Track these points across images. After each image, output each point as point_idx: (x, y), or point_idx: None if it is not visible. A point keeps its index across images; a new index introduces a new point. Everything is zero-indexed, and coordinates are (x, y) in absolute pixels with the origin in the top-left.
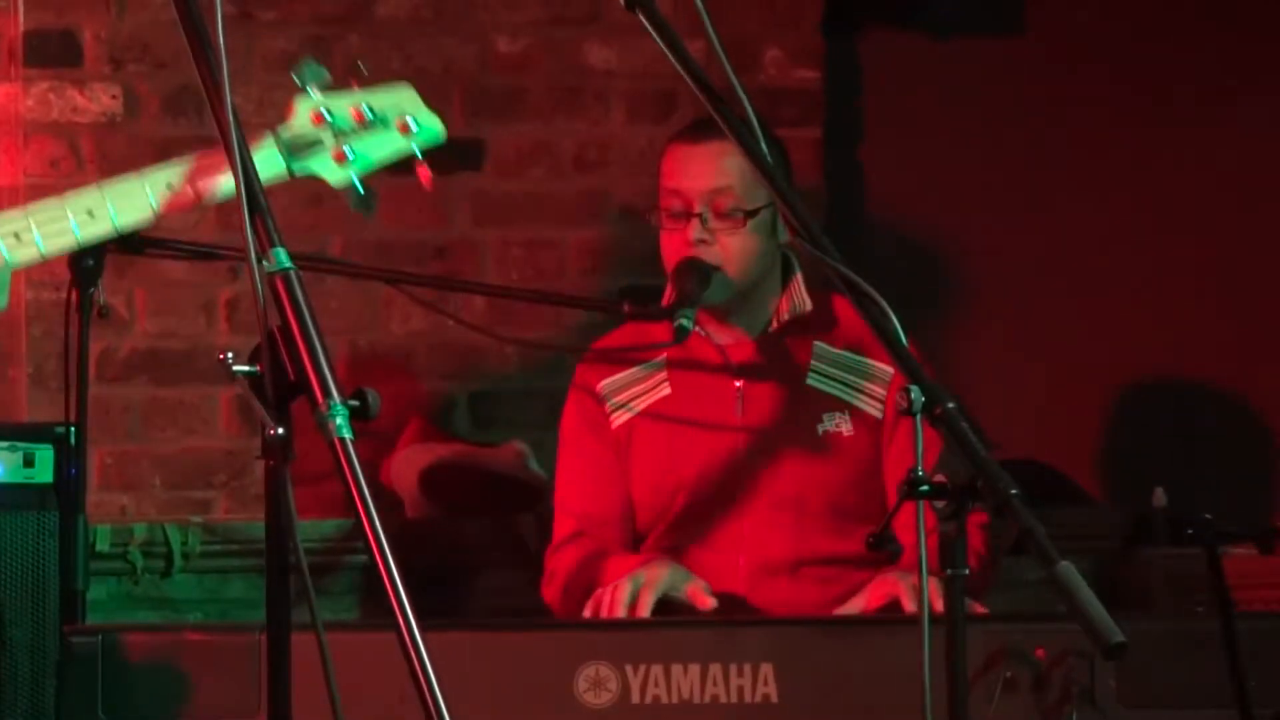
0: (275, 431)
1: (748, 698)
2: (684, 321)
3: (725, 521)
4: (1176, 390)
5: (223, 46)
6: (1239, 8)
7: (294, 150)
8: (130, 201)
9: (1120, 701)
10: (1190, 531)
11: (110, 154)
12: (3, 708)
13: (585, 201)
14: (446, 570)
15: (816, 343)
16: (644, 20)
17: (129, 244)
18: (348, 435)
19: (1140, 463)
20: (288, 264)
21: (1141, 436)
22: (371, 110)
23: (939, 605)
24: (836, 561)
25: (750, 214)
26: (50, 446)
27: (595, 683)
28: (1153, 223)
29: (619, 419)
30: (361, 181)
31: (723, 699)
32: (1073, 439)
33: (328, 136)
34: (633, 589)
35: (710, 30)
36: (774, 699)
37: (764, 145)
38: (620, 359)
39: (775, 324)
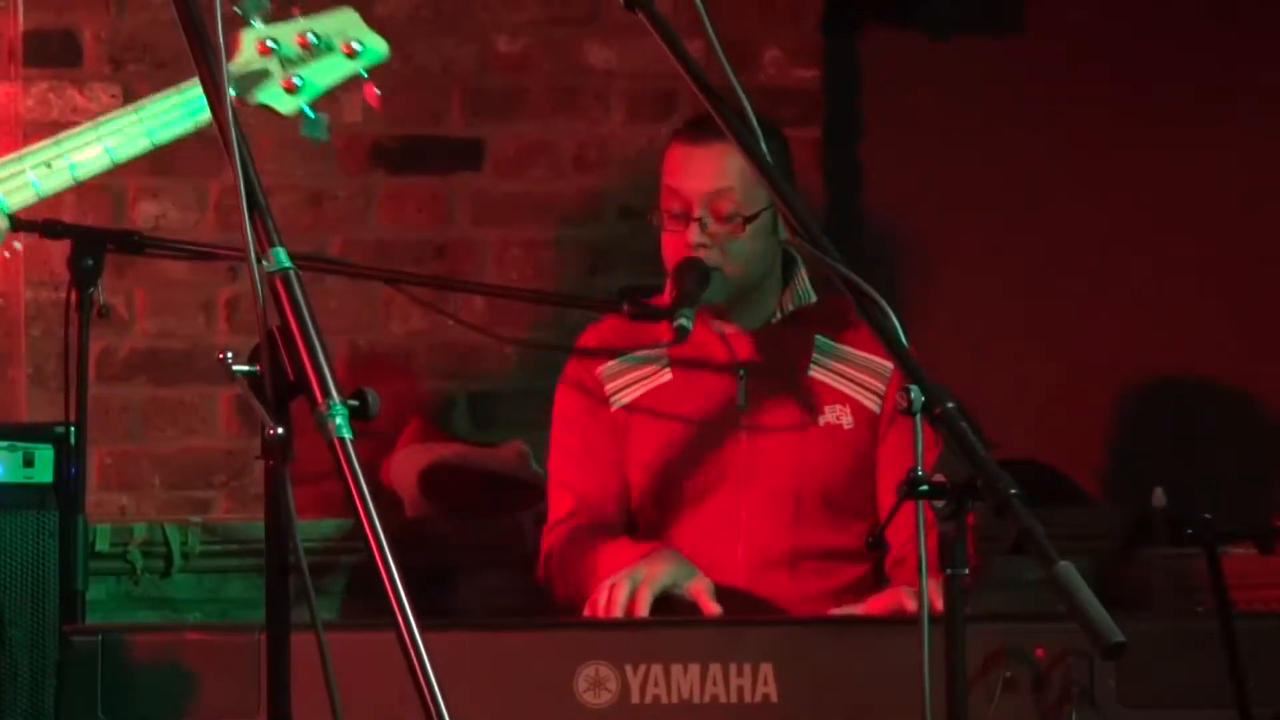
0: (275, 431)
1: (747, 698)
2: (684, 321)
3: (723, 510)
4: (1176, 390)
5: (222, 46)
6: (1239, 8)
7: (244, 84)
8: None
9: (1120, 701)
10: (1190, 531)
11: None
12: (2, 707)
13: (585, 201)
14: (446, 570)
15: (819, 335)
16: (644, 20)
17: (128, 244)
18: (347, 435)
19: (1140, 463)
20: (287, 264)
21: (1141, 436)
22: (316, 36)
23: (939, 606)
24: (833, 555)
25: (750, 219)
26: (50, 446)
27: (595, 682)
28: (1152, 222)
29: (619, 402)
30: (311, 107)
31: (722, 699)
32: (1073, 439)
33: (275, 67)
34: (631, 586)
35: (710, 30)
36: (774, 699)
37: (764, 145)
38: (609, 352)
39: (779, 314)
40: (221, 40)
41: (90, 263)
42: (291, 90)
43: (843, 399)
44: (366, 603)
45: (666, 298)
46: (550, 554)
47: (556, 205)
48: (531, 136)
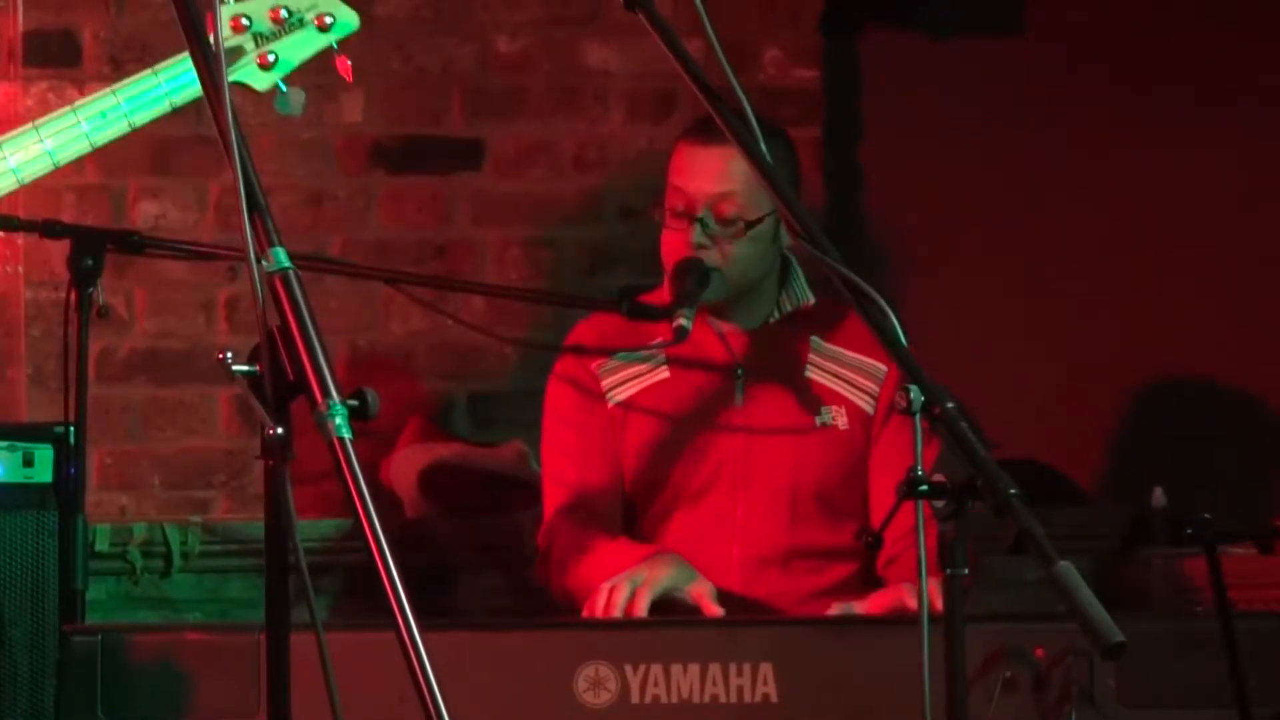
0: (274, 431)
1: (747, 698)
2: (684, 321)
3: (718, 509)
4: (1176, 390)
5: (221, 46)
6: (1238, 7)
7: None
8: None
9: (1120, 701)
10: (1190, 531)
11: (108, 153)
12: (2, 708)
13: (584, 201)
14: (446, 570)
15: (814, 337)
16: (644, 20)
17: (128, 244)
18: (347, 435)
19: (1140, 463)
20: (287, 264)
21: (1141, 436)
22: (289, 10)
23: (939, 606)
24: (826, 554)
25: (751, 224)
26: (50, 446)
27: (595, 682)
28: (1152, 222)
29: (615, 398)
30: (285, 82)
31: (722, 699)
32: (1073, 439)
33: (249, 44)
34: (630, 589)
35: (709, 30)
36: (773, 699)
37: (764, 145)
38: (604, 351)
39: (776, 314)
40: (221, 40)
41: (90, 263)
42: (266, 66)
43: (838, 399)
44: (364, 603)
45: (664, 295)
46: (547, 549)
47: (556, 205)
48: (531, 136)
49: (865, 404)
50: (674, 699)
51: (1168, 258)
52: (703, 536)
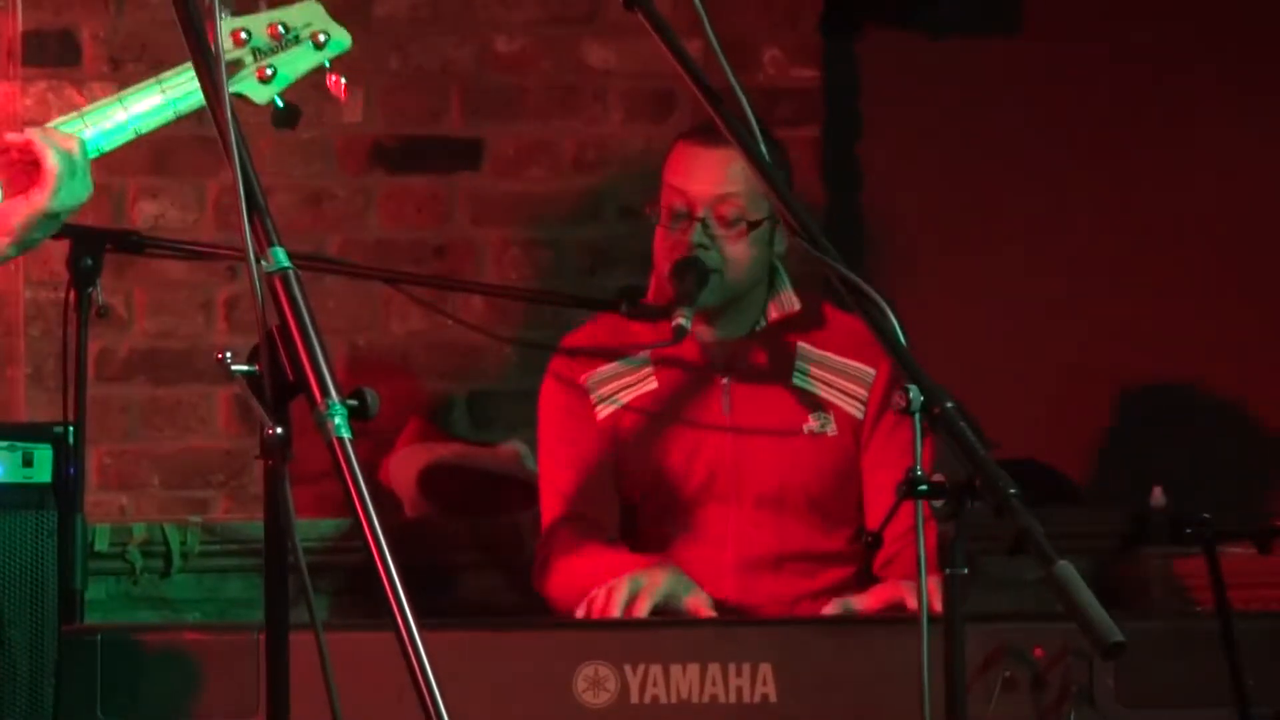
0: (274, 431)
1: (746, 698)
2: (683, 321)
3: (710, 517)
4: (1176, 390)
5: (221, 46)
6: (1238, 7)
7: None
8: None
9: (1119, 701)
10: (1189, 531)
11: (108, 153)
12: (2, 707)
13: (584, 201)
14: (445, 570)
15: (801, 343)
16: (643, 19)
17: (128, 243)
18: (346, 435)
19: (1140, 463)
20: (286, 264)
21: (1141, 436)
22: (286, 27)
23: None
24: (819, 558)
25: (753, 225)
26: (49, 446)
27: (594, 682)
28: (1152, 222)
29: (604, 411)
30: (282, 98)
31: (721, 699)
32: (1073, 439)
33: (249, 57)
34: (630, 592)
35: (709, 29)
36: (773, 699)
37: (764, 146)
38: (606, 351)
39: (762, 323)
40: (220, 40)
41: (89, 262)
42: (265, 80)
43: (826, 406)
44: (364, 603)
45: (652, 295)
46: (545, 559)
47: (556, 205)
48: (530, 136)
49: (854, 409)
50: (673, 699)
51: (1168, 257)
52: (697, 543)
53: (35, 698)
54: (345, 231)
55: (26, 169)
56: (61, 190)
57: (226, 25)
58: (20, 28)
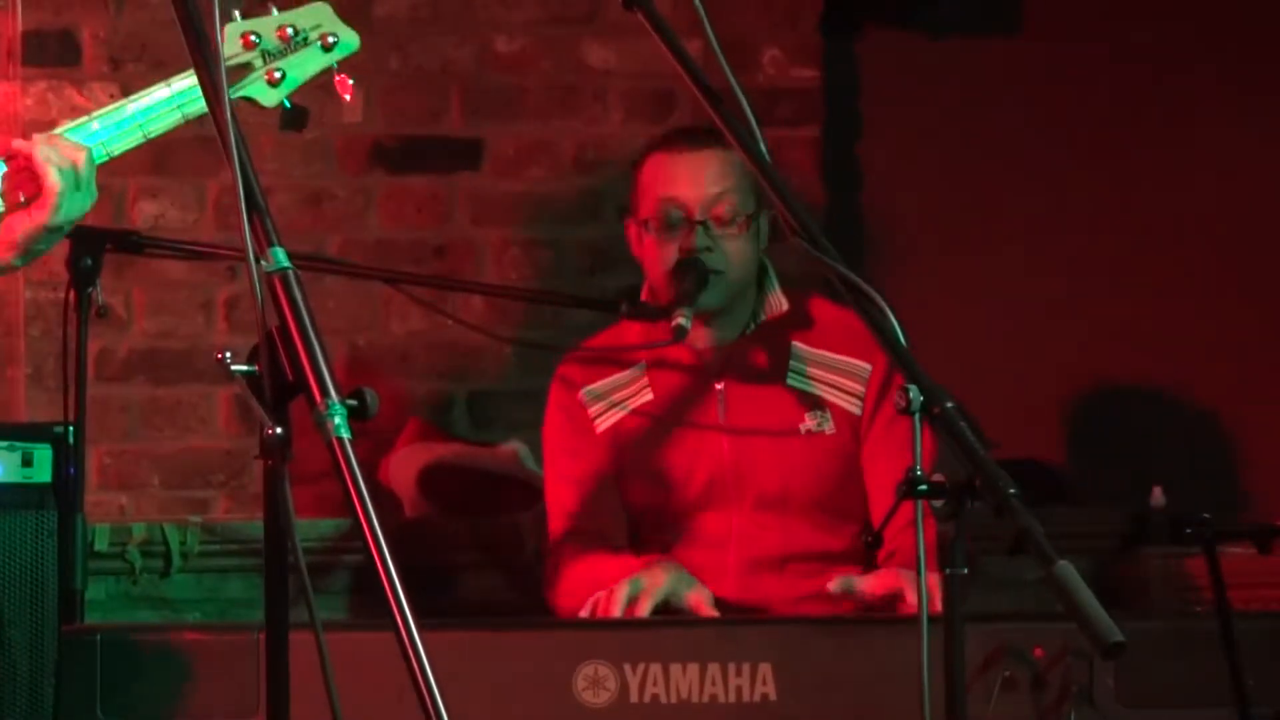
0: (273, 431)
1: (746, 697)
2: (683, 321)
3: (712, 521)
4: (1176, 390)
5: (221, 46)
6: (1238, 7)
7: (229, 77)
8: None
9: (1119, 701)
10: (1189, 531)
11: (117, 157)
12: (2, 707)
13: (584, 201)
14: (445, 570)
15: (794, 343)
16: (643, 19)
17: (127, 243)
18: (346, 435)
19: (1140, 463)
20: (286, 264)
21: (1141, 436)
22: (295, 29)
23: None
24: (822, 558)
25: (750, 218)
26: (49, 446)
27: (594, 682)
28: (1152, 222)
29: (603, 424)
30: (290, 100)
31: (721, 698)
32: (1073, 439)
33: (258, 60)
34: (630, 593)
35: (709, 29)
36: (772, 698)
37: (763, 145)
38: (605, 360)
39: (753, 325)
40: (220, 40)
41: (89, 262)
42: (274, 83)
43: (823, 404)
44: (375, 601)
45: (645, 299)
46: (552, 574)
47: (556, 205)
48: (530, 136)
49: (852, 406)
50: (673, 699)
51: (1168, 257)
52: (700, 548)
53: (35, 698)
54: (345, 231)
55: (33, 176)
56: (63, 206)
57: (236, 28)
58: (20, 28)
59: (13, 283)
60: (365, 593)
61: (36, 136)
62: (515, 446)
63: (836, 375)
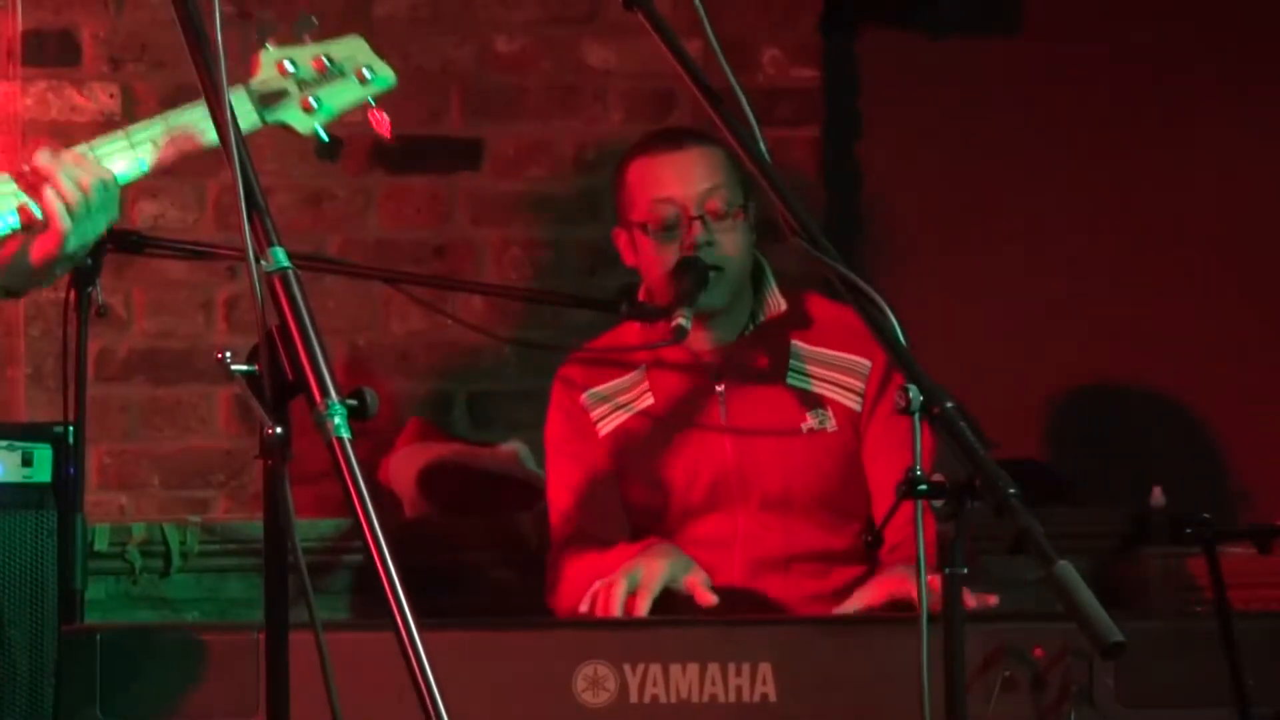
0: (273, 431)
1: (746, 697)
2: (683, 321)
3: (716, 523)
4: (1176, 390)
5: (220, 46)
6: (1238, 7)
7: (264, 101)
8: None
9: (1119, 701)
10: (1189, 531)
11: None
12: (1, 707)
13: (584, 201)
14: (445, 570)
15: (794, 342)
16: (643, 19)
17: (127, 243)
18: (346, 435)
19: (1140, 463)
20: (286, 263)
21: (1141, 436)
22: (331, 60)
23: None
24: (828, 557)
25: (743, 209)
26: (49, 446)
27: (593, 682)
28: (1152, 222)
29: (605, 428)
30: (325, 129)
31: (721, 698)
32: (1073, 439)
33: (293, 87)
34: (628, 587)
35: (709, 29)
36: (772, 698)
37: (763, 145)
38: (607, 362)
39: (752, 326)
40: (220, 40)
41: (89, 262)
42: (309, 110)
43: (823, 403)
44: (375, 601)
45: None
46: (553, 577)
47: (556, 205)
48: (530, 136)
49: (852, 403)
50: (673, 699)
51: (1168, 257)
52: (704, 549)
53: (35, 698)
54: (345, 231)
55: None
56: (72, 238)
57: (271, 55)
58: (20, 28)
59: None
60: (365, 593)
61: (63, 155)
62: (515, 446)
63: (836, 373)
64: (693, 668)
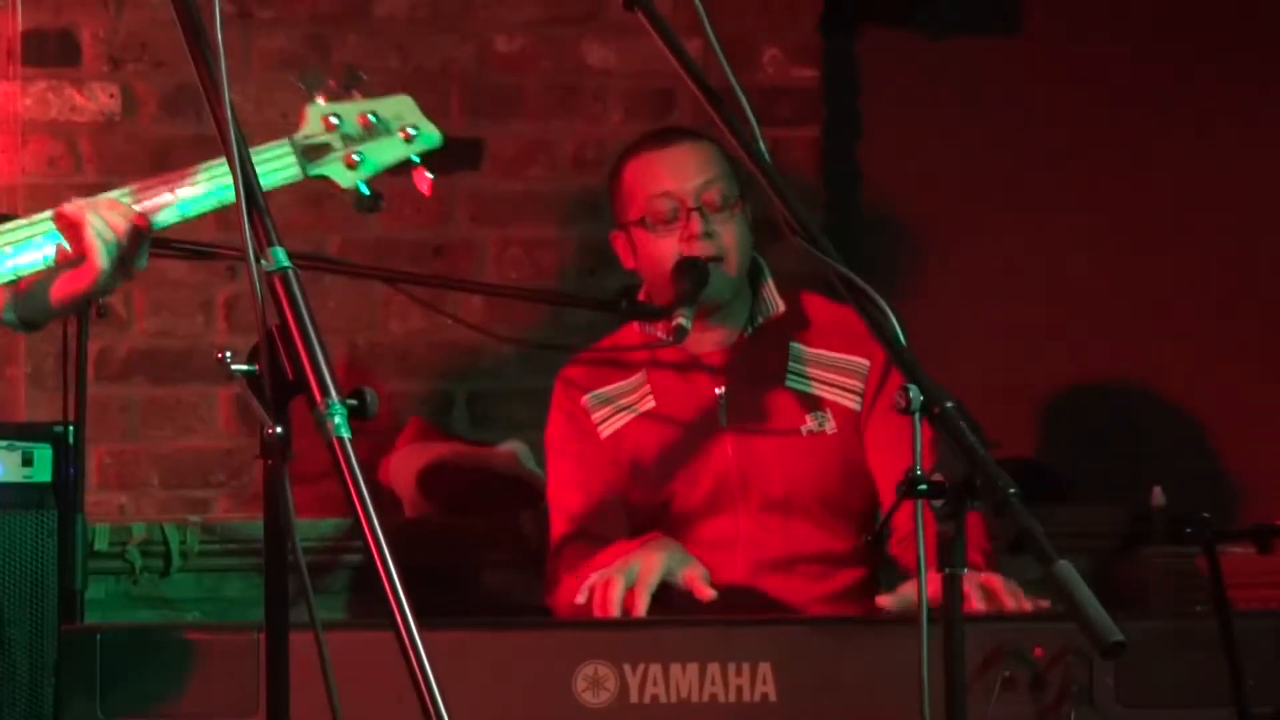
0: (273, 431)
1: (746, 697)
2: (683, 321)
3: (718, 525)
4: (1176, 390)
5: (220, 45)
6: (1238, 7)
7: (308, 154)
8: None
9: (1119, 700)
10: (1189, 531)
11: (108, 153)
12: (2, 707)
13: (584, 201)
14: (445, 569)
15: (793, 343)
16: (643, 19)
17: None
18: (346, 434)
19: (1140, 463)
20: (286, 263)
21: (1141, 436)
22: (376, 117)
23: (975, 603)
24: (830, 559)
25: (739, 200)
26: (49, 446)
27: (593, 682)
28: (1151, 222)
29: (607, 430)
30: (367, 184)
31: (721, 698)
32: (1073, 439)
33: (338, 142)
34: (625, 584)
35: (709, 30)
36: (772, 698)
37: (763, 145)
38: (608, 363)
39: (751, 328)
40: (220, 39)
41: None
42: (352, 166)
43: (823, 404)
44: (375, 600)
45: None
46: (553, 576)
47: (556, 205)
48: (530, 136)
49: (852, 403)
50: (673, 699)
51: (1167, 257)
52: (708, 552)
53: (35, 697)
54: (345, 231)
55: (78, 239)
56: (102, 281)
57: (318, 110)
58: (20, 27)
59: None
60: (365, 593)
61: (93, 202)
62: (515, 446)
63: (835, 374)
64: (693, 668)
